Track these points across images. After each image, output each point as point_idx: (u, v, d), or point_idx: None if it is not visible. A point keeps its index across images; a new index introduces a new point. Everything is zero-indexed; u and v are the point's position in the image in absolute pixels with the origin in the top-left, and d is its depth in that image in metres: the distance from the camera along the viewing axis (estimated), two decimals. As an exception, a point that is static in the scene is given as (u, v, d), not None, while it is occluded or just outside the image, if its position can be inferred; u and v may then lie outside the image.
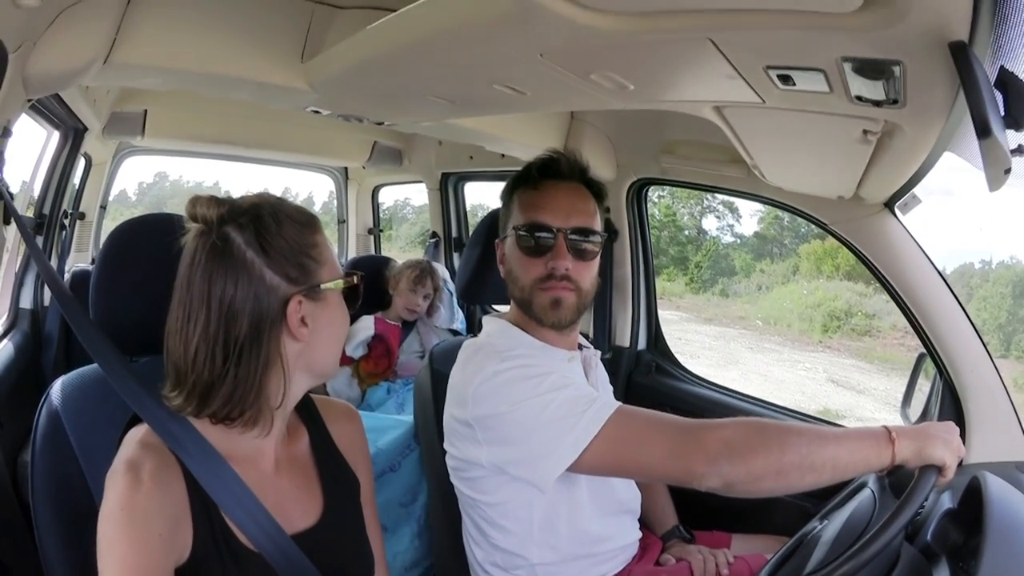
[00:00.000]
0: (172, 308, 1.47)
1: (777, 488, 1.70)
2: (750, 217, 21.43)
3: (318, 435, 1.76)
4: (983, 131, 1.14)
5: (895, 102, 1.47)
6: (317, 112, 2.90)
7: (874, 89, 1.44)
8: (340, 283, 1.59)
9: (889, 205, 2.44)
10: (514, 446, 1.92)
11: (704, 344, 16.47)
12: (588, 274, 2.19)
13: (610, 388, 2.51)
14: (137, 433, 1.50)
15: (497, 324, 2.27)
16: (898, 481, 1.81)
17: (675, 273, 20.74)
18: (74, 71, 2.09)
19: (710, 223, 21.61)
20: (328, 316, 1.57)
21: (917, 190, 2.31)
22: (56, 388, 1.75)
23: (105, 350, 1.59)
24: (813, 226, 2.77)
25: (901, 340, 16.00)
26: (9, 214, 2.03)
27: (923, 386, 2.58)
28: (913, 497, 1.58)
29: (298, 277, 1.51)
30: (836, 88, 1.49)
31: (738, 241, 21.53)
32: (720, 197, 20.46)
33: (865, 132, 1.74)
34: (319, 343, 1.56)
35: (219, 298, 1.43)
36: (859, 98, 1.50)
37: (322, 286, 1.54)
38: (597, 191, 2.27)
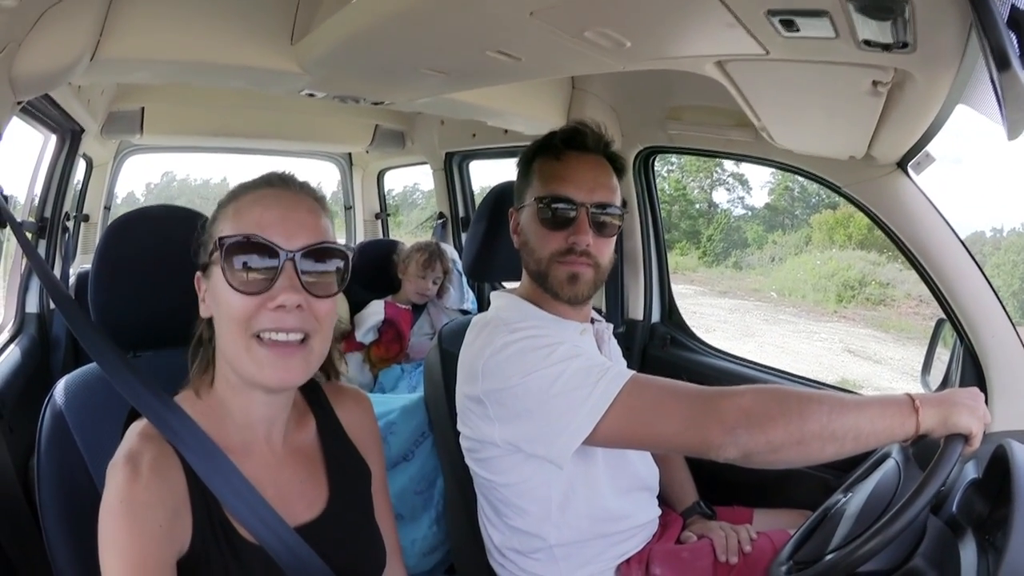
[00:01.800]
0: None
1: (797, 459, 1.67)
2: (760, 188, 21.51)
3: (326, 422, 1.72)
4: (1002, 63, 1.08)
5: (904, 46, 1.43)
6: (312, 95, 2.86)
7: (882, 31, 1.38)
8: (211, 256, 1.48)
9: (902, 165, 2.38)
10: (527, 421, 1.89)
11: (719, 317, 16.48)
12: (608, 250, 2.16)
13: (623, 362, 2.44)
14: (138, 426, 1.47)
15: (506, 299, 2.23)
16: (923, 451, 1.73)
17: (688, 247, 20.76)
18: (62, 70, 2.06)
19: (720, 196, 21.67)
20: (212, 292, 1.50)
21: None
22: (60, 388, 1.73)
23: (102, 346, 1.57)
24: (824, 196, 2.72)
25: (916, 309, 16.05)
26: (4, 218, 1.99)
27: (942, 354, 2.53)
28: (939, 468, 1.54)
29: (200, 254, 1.53)
30: (842, 32, 1.44)
31: (749, 213, 21.57)
32: (729, 169, 20.52)
33: (875, 83, 1.68)
34: (217, 323, 1.51)
35: None
36: (867, 42, 1.45)
37: (205, 261, 1.51)
38: (619, 166, 2.23)
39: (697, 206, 21.24)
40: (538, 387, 1.85)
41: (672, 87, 3.05)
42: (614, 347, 2.43)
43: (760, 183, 21.45)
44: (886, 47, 1.45)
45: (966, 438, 1.60)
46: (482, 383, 1.97)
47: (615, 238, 2.18)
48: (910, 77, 1.61)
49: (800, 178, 19.39)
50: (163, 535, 1.33)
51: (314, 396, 1.74)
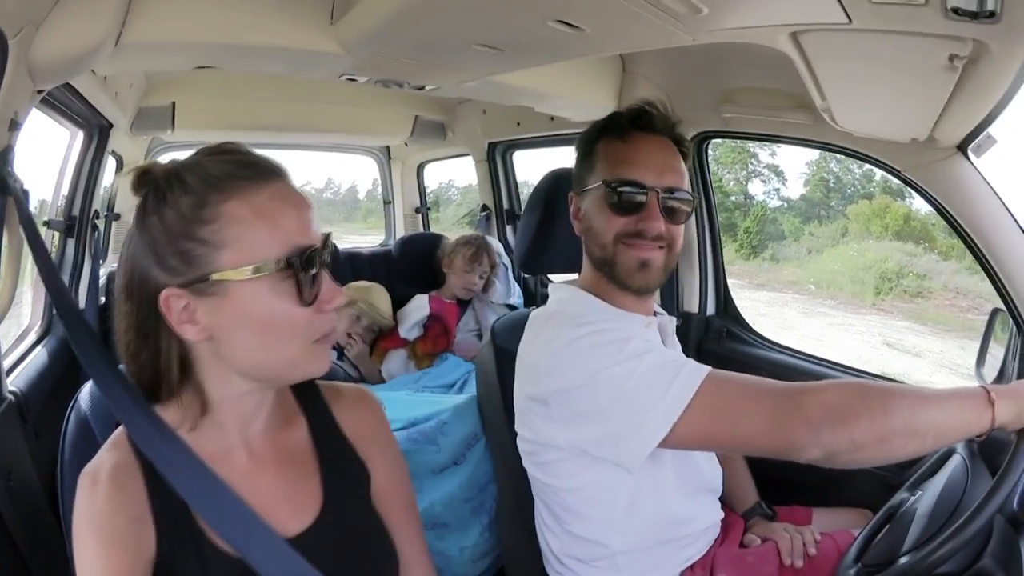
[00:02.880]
0: None
1: (880, 458, 1.59)
2: (795, 180, 21.37)
3: (320, 424, 1.60)
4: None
5: (991, 15, 1.41)
6: (353, 80, 2.77)
7: None
8: (254, 272, 1.27)
9: (962, 148, 2.30)
10: (596, 423, 1.79)
11: (758, 310, 16.42)
12: (680, 235, 2.05)
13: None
14: (113, 434, 1.46)
15: (567, 291, 2.12)
16: (988, 445, 1.75)
17: (725, 240, 20.71)
18: (84, 55, 1.96)
19: (756, 188, 21.57)
20: (234, 315, 1.30)
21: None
22: (84, 393, 1.68)
23: (96, 357, 1.46)
24: (859, 187, 2.70)
25: (953, 301, 16.02)
26: (21, 216, 1.86)
27: (994, 347, 2.42)
28: (1015, 466, 1.53)
29: (176, 267, 1.29)
30: None
31: (785, 205, 21.47)
32: (764, 160, 20.40)
33: (951, 58, 1.65)
34: (232, 344, 1.34)
35: (126, 270, 1.36)
36: (955, 11, 1.42)
37: (215, 276, 1.27)
38: (685, 149, 2.13)
39: (732, 198, 21.19)
40: (609, 386, 1.75)
41: (727, 69, 2.92)
42: (676, 342, 2.32)
43: (796, 175, 21.34)
44: (973, 15, 1.42)
45: None
46: (546, 383, 1.87)
47: (684, 226, 2.07)
48: (986, 50, 1.59)
49: (835, 169, 19.51)
50: (124, 544, 1.31)
51: (307, 396, 1.62)
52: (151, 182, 1.32)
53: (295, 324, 1.31)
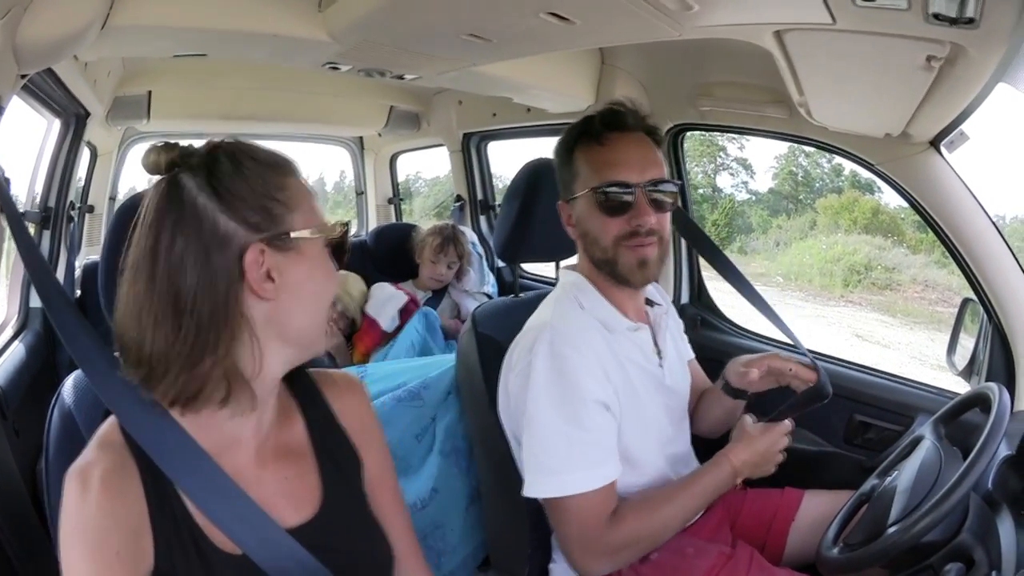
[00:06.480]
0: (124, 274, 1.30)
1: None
2: (764, 173, 21.42)
3: (317, 414, 1.59)
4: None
5: (970, 21, 1.47)
6: (335, 68, 2.77)
7: (951, 5, 1.44)
8: (319, 233, 1.39)
9: (935, 143, 2.39)
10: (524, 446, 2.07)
11: (727, 303, 16.27)
12: (667, 223, 2.15)
13: (685, 339, 2.51)
14: (101, 429, 1.38)
15: (574, 276, 2.25)
16: (957, 430, 1.98)
17: (692, 233, 20.69)
18: (69, 38, 1.95)
19: (724, 181, 21.58)
20: (303, 272, 1.37)
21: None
22: (68, 385, 1.62)
23: (83, 339, 1.41)
24: (828, 180, 2.81)
25: (921, 294, 16.12)
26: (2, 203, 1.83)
27: (964, 338, 2.59)
28: (987, 445, 1.68)
29: (260, 223, 1.32)
30: (914, 3, 1.47)
31: (753, 198, 21.51)
32: (733, 154, 20.44)
33: (929, 59, 1.72)
34: (292, 303, 1.36)
35: (165, 251, 1.27)
36: (936, 16, 1.48)
37: (293, 234, 1.35)
38: (658, 139, 2.20)
39: (700, 191, 21.18)
40: (538, 436, 2.02)
41: (704, 63, 2.99)
42: (674, 330, 2.43)
43: (764, 168, 21.36)
44: (953, 21, 1.48)
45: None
46: (511, 403, 2.15)
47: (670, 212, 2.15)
48: (963, 53, 1.65)
49: (804, 163, 19.54)
50: (122, 562, 1.25)
51: (300, 385, 1.60)
52: (209, 154, 1.34)
53: (330, 285, 1.45)
